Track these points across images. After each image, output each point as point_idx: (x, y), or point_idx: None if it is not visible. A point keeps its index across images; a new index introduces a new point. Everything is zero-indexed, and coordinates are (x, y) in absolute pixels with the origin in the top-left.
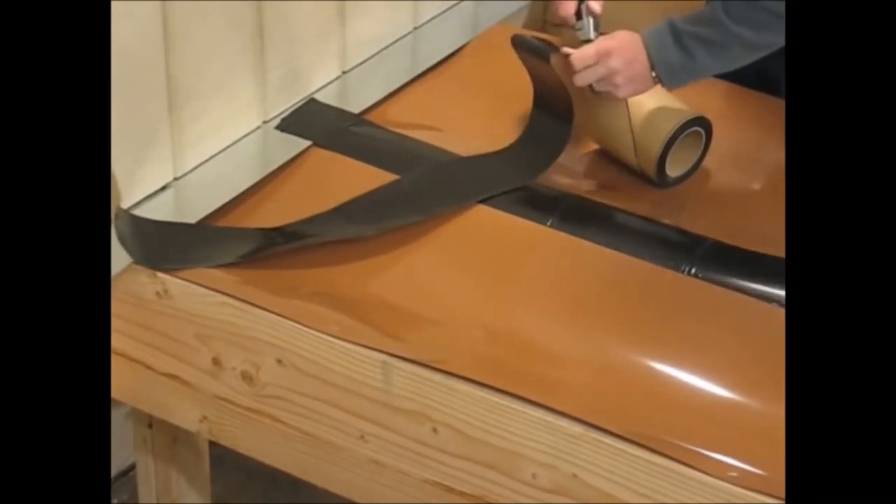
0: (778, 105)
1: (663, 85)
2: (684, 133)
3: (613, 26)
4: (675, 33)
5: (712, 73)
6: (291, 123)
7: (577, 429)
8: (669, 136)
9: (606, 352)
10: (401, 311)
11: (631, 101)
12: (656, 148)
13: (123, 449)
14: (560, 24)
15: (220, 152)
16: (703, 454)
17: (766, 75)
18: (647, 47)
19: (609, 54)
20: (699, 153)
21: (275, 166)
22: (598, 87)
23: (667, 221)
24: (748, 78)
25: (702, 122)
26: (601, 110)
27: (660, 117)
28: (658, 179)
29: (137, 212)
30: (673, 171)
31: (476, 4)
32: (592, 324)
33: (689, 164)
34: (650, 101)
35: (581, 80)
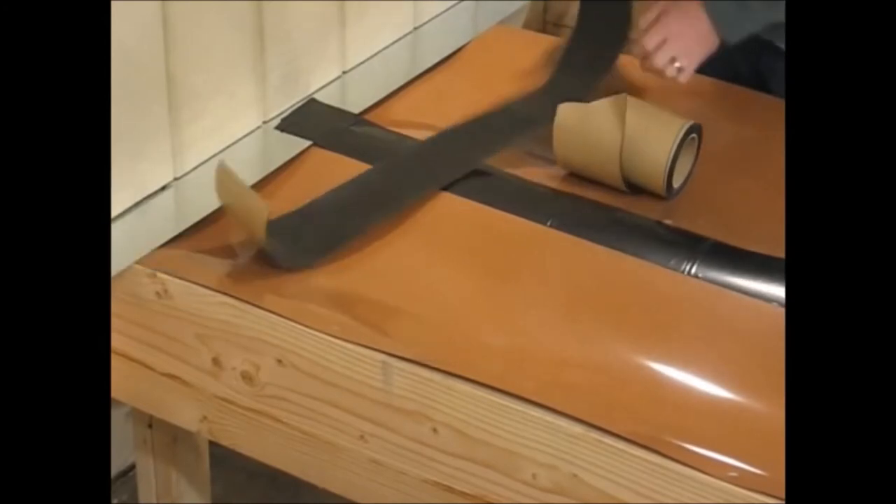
0: (775, 103)
1: (724, 37)
2: (684, 144)
3: None
4: None
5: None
6: (291, 123)
7: (577, 429)
8: (673, 153)
9: (606, 352)
10: (401, 310)
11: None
12: (661, 170)
13: (123, 449)
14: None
15: (220, 152)
16: (703, 454)
17: (758, 70)
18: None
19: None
20: (694, 156)
21: (275, 166)
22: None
23: (667, 221)
24: (742, 75)
25: (694, 128)
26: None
27: (657, 136)
28: (667, 193)
29: (137, 212)
30: (677, 181)
31: (476, 4)
32: (592, 324)
33: (688, 169)
34: (640, 123)
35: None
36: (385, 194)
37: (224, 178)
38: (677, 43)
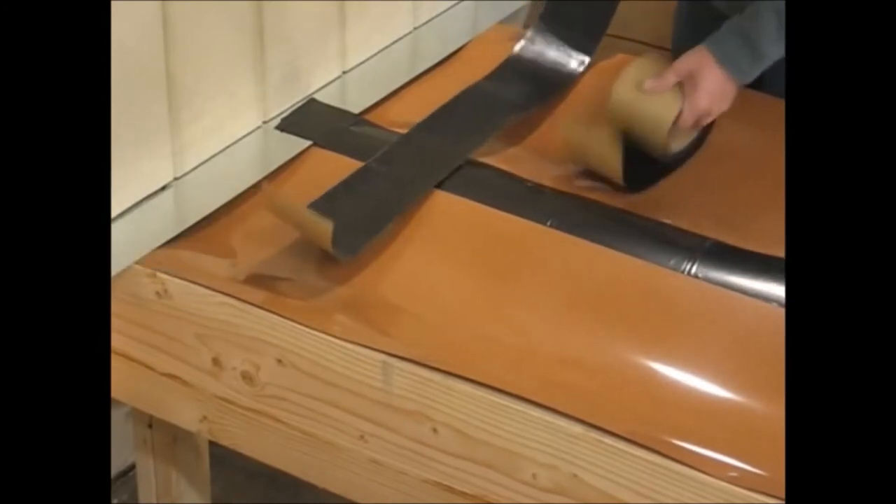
0: (775, 103)
1: (736, 80)
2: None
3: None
4: (736, 32)
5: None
6: (291, 123)
7: (577, 429)
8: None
9: (606, 352)
10: (401, 310)
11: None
12: (668, 117)
13: (123, 449)
14: None
15: (220, 152)
16: (703, 454)
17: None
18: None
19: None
20: (697, 132)
21: (275, 166)
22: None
23: (667, 221)
24: None
25: None
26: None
27: (662, 95)
28: (664, 150)
29: (137, 212)
30: (676, 146)
31: (476, 4)
32: (592, 324)
33: (688, 140)
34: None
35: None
36: (401, 182)
37: (272, 202)
38: (713, 110)
